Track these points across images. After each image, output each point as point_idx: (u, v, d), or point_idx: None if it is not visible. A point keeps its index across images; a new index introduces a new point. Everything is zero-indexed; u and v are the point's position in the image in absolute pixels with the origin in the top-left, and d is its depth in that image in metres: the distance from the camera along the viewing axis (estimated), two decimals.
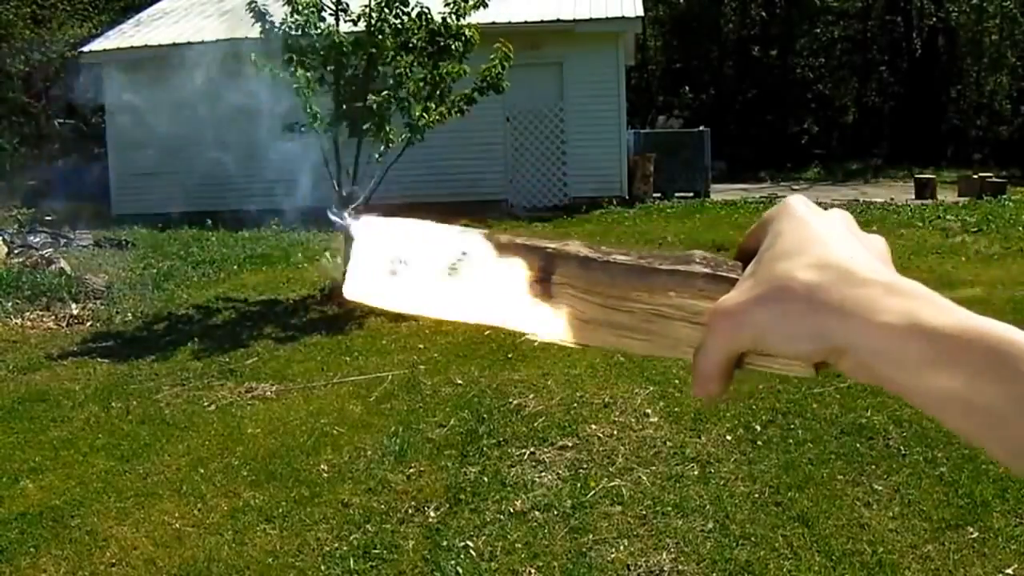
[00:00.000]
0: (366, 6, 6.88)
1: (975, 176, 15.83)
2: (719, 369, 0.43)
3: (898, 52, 27.60)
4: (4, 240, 9.78)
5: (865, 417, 4.13)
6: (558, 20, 13.41)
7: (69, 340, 6.41)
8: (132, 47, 13.76)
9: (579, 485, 3.58)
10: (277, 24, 6.90)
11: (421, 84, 6.97)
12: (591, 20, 13.37)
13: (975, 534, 3.07)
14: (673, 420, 4.24)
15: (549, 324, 0.47)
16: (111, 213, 13.56)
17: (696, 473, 3.67)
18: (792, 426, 4.11)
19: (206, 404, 4.82)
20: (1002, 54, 26.18)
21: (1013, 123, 25.79)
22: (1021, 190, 15.36)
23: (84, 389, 5.19)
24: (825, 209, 0.46)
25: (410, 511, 3.45)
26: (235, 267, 9.21)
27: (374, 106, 6.74)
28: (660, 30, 28.89)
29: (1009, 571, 2.87)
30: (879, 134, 26.38)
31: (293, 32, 6.82)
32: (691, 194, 14.78)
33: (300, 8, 6.81)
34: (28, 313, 7.14)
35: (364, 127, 6.90)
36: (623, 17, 13.39)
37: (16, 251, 9.56)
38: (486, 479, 3.68)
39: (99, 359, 5.83)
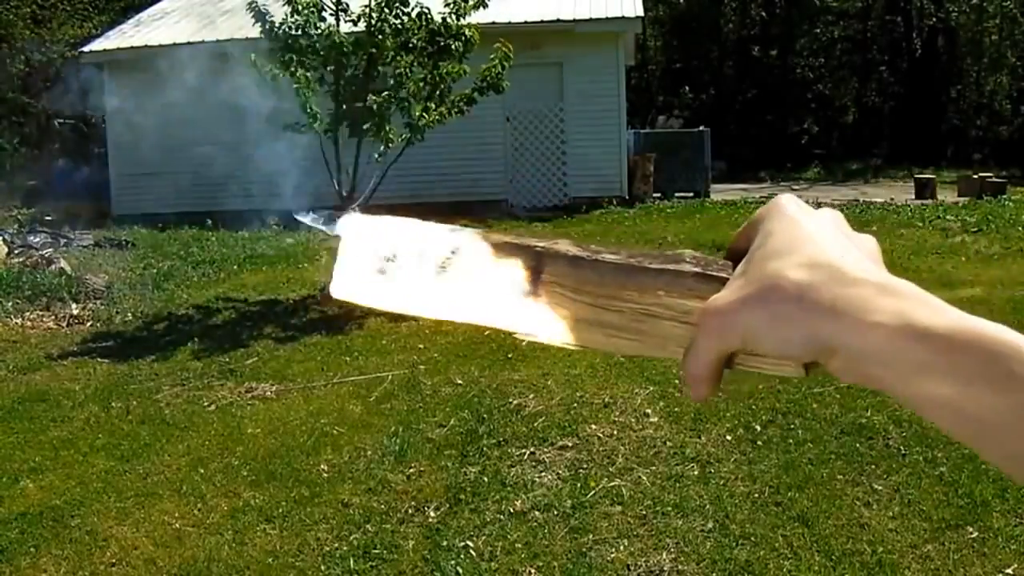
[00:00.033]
0: (366, 6, 6.89)
1: (975, 176, 15.83)
2: (709, 369, 0.43)
3: (898, 52, 27.60)
4: (4, 240, 9.79)
5: (865, 417, 4.13)
6: (558, 20, 13.41)
7: (69, 340, 6.41)
8: (132, 47, 13.76)
9: (579, 485, 3.58)
10: (277, 24, 6.90)
11: (421, 84, 6.97)
12: (591, 20, 13.38)
13: (975, 534, 3.07)
14: (673, 420, 4.24)
15: (538, 323, 0.47)
16: (111, 213, 13.56)
17: (696, 473, 3.67)
18: (792, 426, 4.11)
19: (206, 404, 4.82)
20: (1002, 54, 26.19)
21: (1013, 123, 25.79)
22: (1021, 190, 15.36)
23: (84, 389, 5.19)
24: (817, 208, 0.46)
25: (410, 511, 3.45)
26: (235, 267, 9.21)
27: (374, 106, 6.75)
28: (660, 30, 28.90)
29: (1009, 571, 2.87)
30: (879, 134, 26.39)
31: (293, 32, 6.82)
32: (691, 194, 14.78)
33: (300, 8, 6.82)
34: (28, 313, 7.14)
35: (364, 127, 6.90)
36: (623, 17, 13.39)
37: (16, 251, 9.56)
38: (486, 479, 3.68)
39: (99, 359, 5.83)
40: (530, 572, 2.99)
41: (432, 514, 3.41)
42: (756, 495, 3.45)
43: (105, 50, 14.07)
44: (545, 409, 4.46)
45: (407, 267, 0.48)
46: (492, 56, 7.09)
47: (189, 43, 13.26)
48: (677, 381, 4.70)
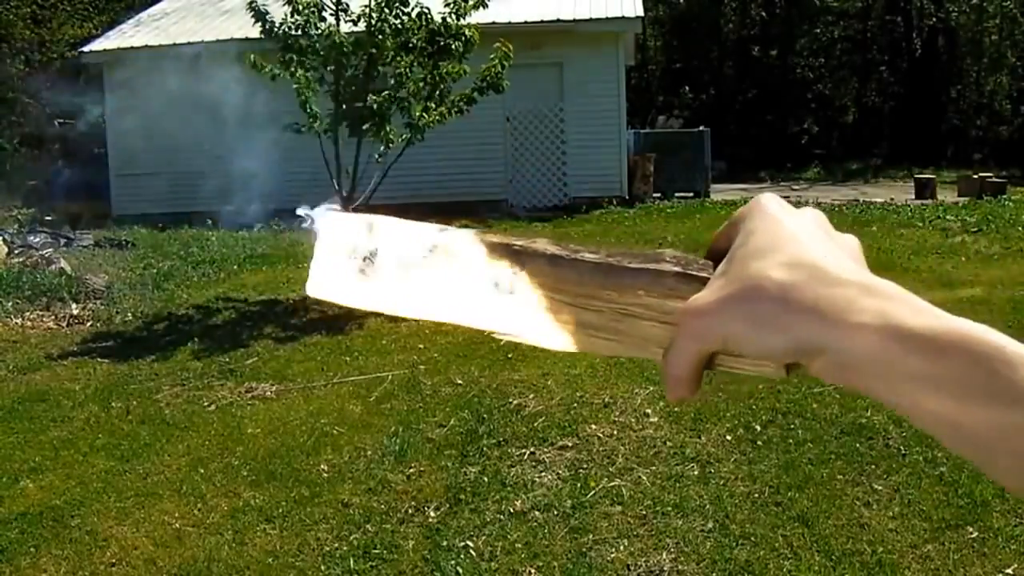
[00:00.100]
0: (366, 6, 6.89)
1: (975, 176, 15.84)
2: (689, 370, 0.42)
3: (898, 52, 27.60)
4: (4, 240, 9.79)
5: (865, 417, 4.13)
6: (558, 20, 13.42)
7: (69, 340, 6.41)
8: (132, 47, 13.76)
9: (579, 485, 3.58)
10: (277, 24, 6.91)
11: (421, 84, 6.97)
12: (591, 20, 13.38)
13: (975, 534, 3.07)
14: (673, 420, 4.24)
15: (517, 323, 0.46)
16: (111, 213, 13.56)
17: (696, 473, 3.67)
18: (792, 426, 4.11)
19: (206, 404, 4.82)
20: (1002, 54, 26.19)
21: (1013, 123, 25.80)
22: (1021, 190, 15.36)
23: (84, 389, 5.19)
24: (798, 207, 0.45)
25: (410, 511, 3.45)
26: (235, 267, 9.21)
27: (374, 106, 6.75)
28: (660, 30, 28.91)
29: (1009, 571, 2.87)
30: (879, 134, 26.38)
31: (293, 32, 6.82)
32: (691, 194, 14.78)
33: (300, 8, 6.82)
34: (28, 313, 7.14)
35: (364, 127, 6.90)
36: (623, 17, 13.40)
37: (16, 251, 9.56)
38: (486, 479, 3.68)
39: (99, 359, 5.83)
40: (530, 572, 2.99)
41: (432, 514, 3.41)
42: (756, 495, 3.45)
43: (105, 50, 14.07)
44: (545, 409, 4.46)
45: (384, 266, 0.47)
46: (492, 56, 7.09)
47: (189, 43, 13.27)
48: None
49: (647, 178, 14.20)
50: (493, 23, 11.10)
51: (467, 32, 6.96)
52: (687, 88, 26.90)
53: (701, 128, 16.18)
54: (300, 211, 0.50)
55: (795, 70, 27.39)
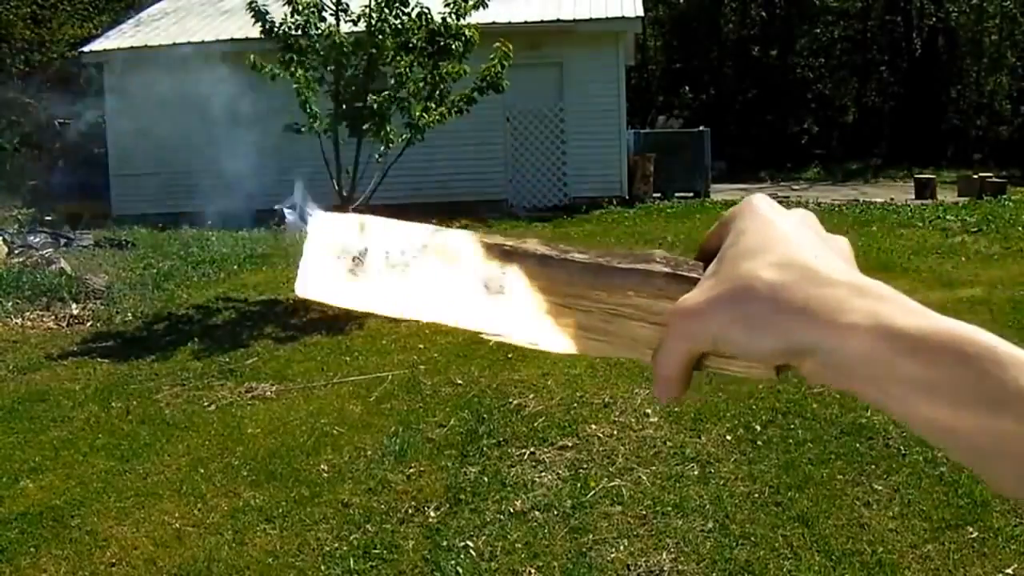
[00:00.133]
0: (366, 6, 6.89)
1: (975, 176, 15.84)
2: (678, 371, 0.42)
3: (898, 52, 27.61)
4: (4, 240, 9.79)
5: (865, 417, 4.13)
6: (558, 20, 13.42)
7: (69, 340, 6.41)
8: (132, 47, 13.76)
9: (579, 485, 3.58)
10: (277, 24, 6.91)
11: (421, 84, 6.97)
12: (591, 20, 13.38)
13: (975, 534, 3.07)
14: (673, 420, 4.24)
15: (506, 324, 0.46)
16: (111, 213, 13.55)
17: (696, 473, 3.67)
18: (792, 426, 4.11)
19: (206, 404, 4.82)
20: (1002, 54, 26.19)
21: (1013, 123, 25.80)
22: (1021, 190, 15.37)
23: (84, 389, 5.19)
24: (788, 208, 0.45)
25: (410, 511, 3.45)
26: (235, 267, 9.21)
27: (374, 106, 6.75)
28: (660, 30, 28.91)
29: (1009, 571, 2.87)
30: (879, 134, 26.37)
31: (293, 32, 6.82)
32: (691, 194, 14.77)
33: (300, 8, 6.82)
34: (28, 313, 7.14)
35: (364, 127, 6.90)
36: (623, 17, 13.40)
37: (16, 251, 9.56)
38: (486, 479, 3.68)
39: (99, 359, 5.83)
40: (530, 572, 2.99)
41: (432, 514, 3.42)
42: (756, 495, 3.45)
43: (105, 50, 14.07)
44: (545, 409, 4.46)
45: (373, 266, 0.47)
46: (492, 56, 7.09)
47: (189, 43, 13.27)
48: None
49: (647, 178, 14.20)
50: (493, 23, 11.10)
51: (467, 32, 6.96)
52: (687, 88, 26.91)
53: (701, 128, 16.18)
54: (281, 207, 0.49)
55: (795, 70, 27.40)
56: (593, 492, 3.52)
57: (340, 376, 5.23)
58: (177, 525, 3.41)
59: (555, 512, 3.36)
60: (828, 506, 3.33)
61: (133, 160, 13.58)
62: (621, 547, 3.09)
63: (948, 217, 11.10)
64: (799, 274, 0.39)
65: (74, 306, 7.32)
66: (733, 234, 0.43)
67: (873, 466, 3.66)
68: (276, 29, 6.89)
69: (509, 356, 5.36)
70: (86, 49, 14.54)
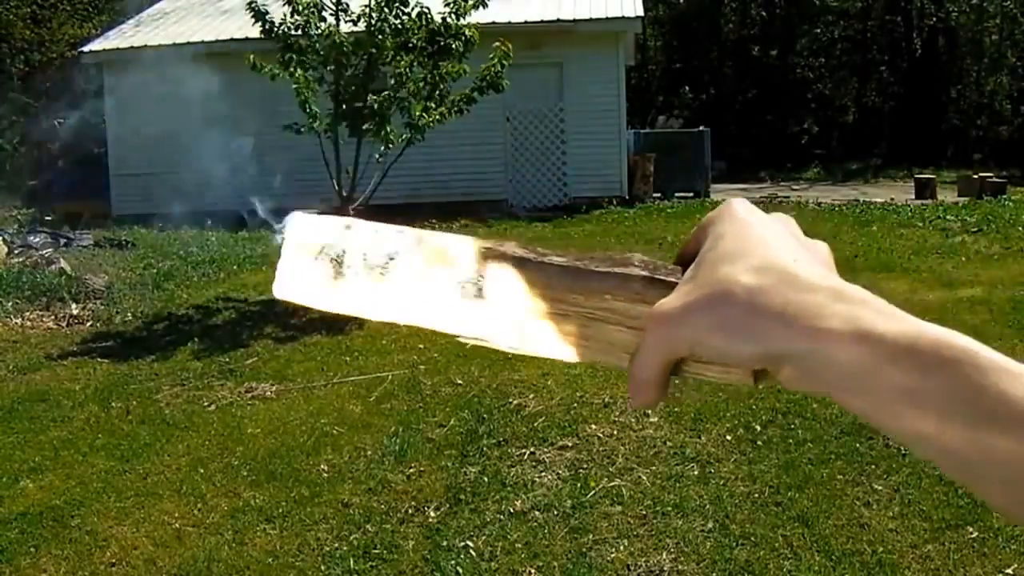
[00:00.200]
0: (366, 6, 6.89)
1: (975, 176, 15.84)
2: (655, 376, 0.41)
3: (898, 52, 27.61)
4: (4, 240, 9.79)
5: None
6: (558, 20, 13.42)
7: (69, 340, 6.41)
8: (132, 47, 13.77)
9: (579, 485, 3.58)
10: (277, 24, 6.91)
11: (421, 84, 6.97)
12: (591, 20, 13.38)
13: (975, 534, 3.07)
14: (673, 420, 4.24)
15: (484, 327, 0.46)
16: (111, 213, 13.55)
17: (696, 473, 3.67)
18: (792, 426, 4.11)
19: (206, 404, 4.82)
20: (1002, 54, 26.19)
21: (1013, 123, 25.80)
22: (1021, 190, 15.37)
23: (84, 389, 5.19)
24: (767, 211, 0.44)
25: (410, 511, 3.45)
26: (235, 267, 9.20)
27: (374, 106, 6.75)
28: (660, 30, 28.91)
29: (1009, 571, 2.87)
30: (879, 134, 26.38)
31: (293, 32, 6.82)
32: (691, 194, 14.78)
33: (300, 8, 6.82)
34: (28, 313, 7.14)
35: (364, 127, 6.90)
36: (623, 17, 13.40)
37: (16, 251, 9.56)
38: (486, 479, 3.68)
39: (99, 359, 5.83)
40: (530, 572, 2.99)
41: (432, 514, 3.42)
42: (756, 495, 3.45)
43: (105, 50, 14.07)
44: (545, 409, 4.46)
45: (352, 268, 0.47)
46: (492, 56, 7.09)
47: (189, 43, 13.27)
48: (677, 381, 4.69)
49: (647, 178, 14.20)
50: (493, 23, 11.10)
51: (467, 32, 6.96)
52: (687, 88, 26.91)
53: (701, 128, 16.18)
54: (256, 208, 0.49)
55: (795, 70, 27.40)
56: (593, 492, 3.52)
57: (340, 376, 5.23)
58: (177, 525, 3.41)
59: (555, 512, 3.36)
60: (828, 506, 3.33)
61: (133, 160, 13.58)
62: (621, 547, 3.09)
63: (948, 217, 11.10)
64: (777, 278, 0.38)
65: (74, 306, 7.32)
66: (711, 238, 0.42)
67: (873, 466, 3.66)
68: (276, 29, 6.89)
69: (509, 356, 5.36)
70: (86, 49, 14.54)
